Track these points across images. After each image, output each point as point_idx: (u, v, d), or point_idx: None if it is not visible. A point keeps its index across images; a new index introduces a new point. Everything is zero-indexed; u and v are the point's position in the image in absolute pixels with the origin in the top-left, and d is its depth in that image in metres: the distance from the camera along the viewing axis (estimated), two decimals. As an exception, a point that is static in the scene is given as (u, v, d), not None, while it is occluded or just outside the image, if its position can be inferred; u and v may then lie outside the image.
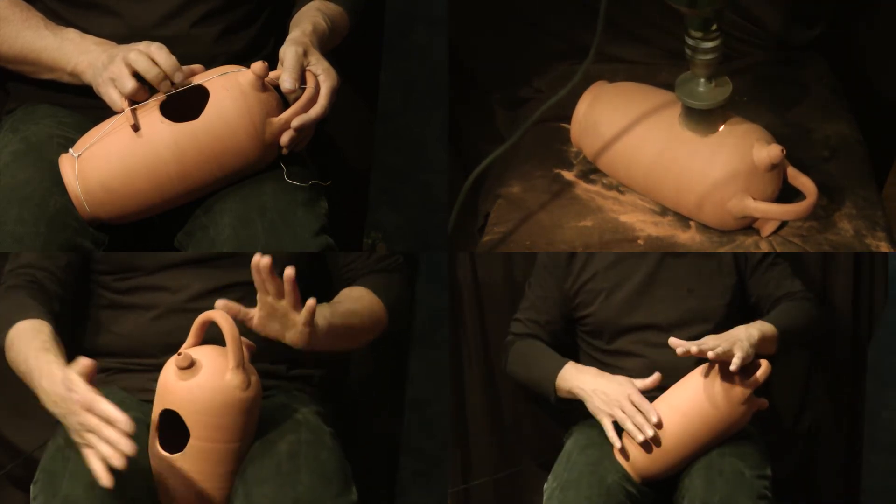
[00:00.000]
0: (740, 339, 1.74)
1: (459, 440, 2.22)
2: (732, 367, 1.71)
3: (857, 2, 2.24)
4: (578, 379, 1.88)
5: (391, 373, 2.12)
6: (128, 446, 1.44)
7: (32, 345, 1.57)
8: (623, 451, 1.81)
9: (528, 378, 1.99)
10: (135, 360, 1.67)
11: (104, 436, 1.45)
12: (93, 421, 1.46)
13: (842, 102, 2.14)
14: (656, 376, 1.84)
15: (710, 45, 1.74)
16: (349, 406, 1.94)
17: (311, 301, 1.55)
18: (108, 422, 1.45)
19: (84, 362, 1.49)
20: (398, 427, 2.17)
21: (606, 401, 1.83)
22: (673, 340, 1.75)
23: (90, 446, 1.47)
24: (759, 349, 1.77)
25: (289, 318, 1.56)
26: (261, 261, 1.53)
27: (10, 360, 1.61)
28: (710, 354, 1.71)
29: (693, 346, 1.72)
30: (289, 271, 1.53)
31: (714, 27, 1.72)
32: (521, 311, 2.05)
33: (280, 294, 1.55)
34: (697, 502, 1.73)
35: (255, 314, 1.57)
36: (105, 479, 1.46)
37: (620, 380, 1.85)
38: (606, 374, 1.87)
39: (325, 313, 1.61)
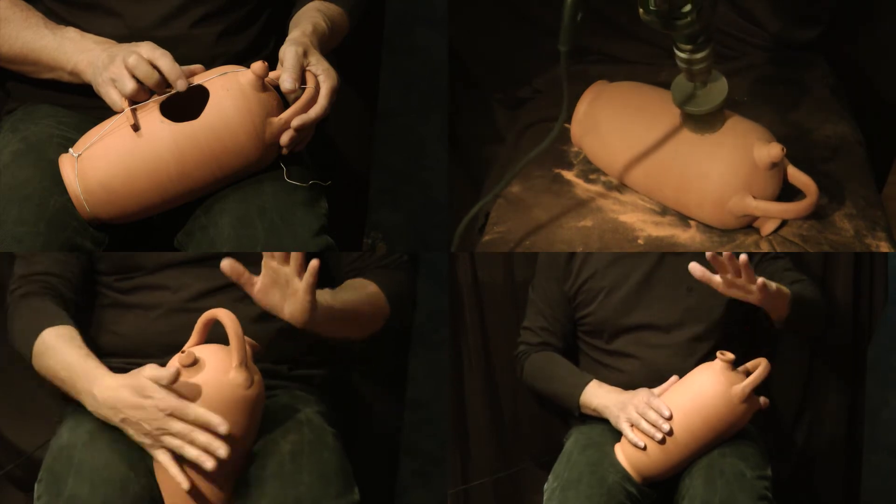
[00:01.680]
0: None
1: (459, 440, 2.22)
2: (742, 259, 1.68)
3: (857, 2, 2.24)
4: (604, 398, 1.88)
5: (391, 373, 2.11)
6: (224, 449, 1.50)
7: (72, 352, 1.59)
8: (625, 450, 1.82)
9: (549, 392, 1.99)
10: (136, 359, 1.66)
11: (198, 441, 1.50)
12: (179, 426, 1.50)
13: (842, 102, 2.14)
14: (673, 379, 1.86)
15: (699, 55, 1.71)
16: (350, 406, 1.94)
17: (314, 262, 1.56)
18: (203, 425, 1.49)
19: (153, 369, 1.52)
20: (398, 427, 2.17)
21: (621, 406, 1.83)
22: (693, 266, 1.72)
23: (168, 449, 1.51)
24: (774, 298, 1.76)
25: (291, 284, 1.56)
26: None
27: (42, 367, 1.61)
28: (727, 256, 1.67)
29: (726, 253, 1.69)
30: None
31: (701, 39, 1.69)
32: (529, 319, 2.05)
33: (286, 259, 1.56)
34: (698, 502, 1.73)
35: (258, 281, 1.57)
36: (186, 482, 1.52)
37: (639, 391, 1.85)
38: (628, 392, 1.87)
39: (325, 296, 1.62)
